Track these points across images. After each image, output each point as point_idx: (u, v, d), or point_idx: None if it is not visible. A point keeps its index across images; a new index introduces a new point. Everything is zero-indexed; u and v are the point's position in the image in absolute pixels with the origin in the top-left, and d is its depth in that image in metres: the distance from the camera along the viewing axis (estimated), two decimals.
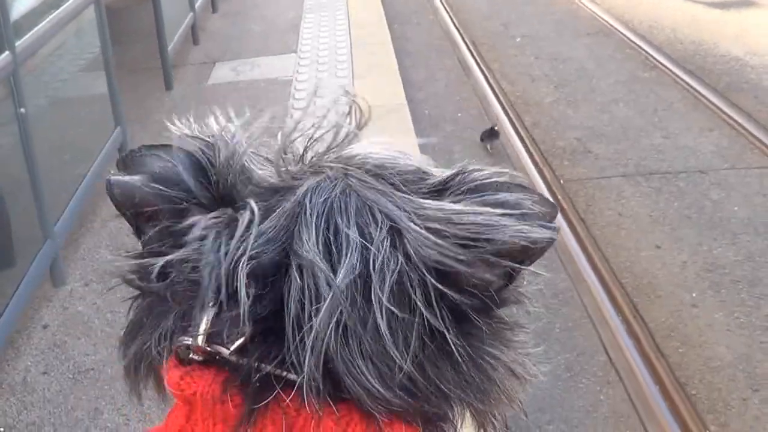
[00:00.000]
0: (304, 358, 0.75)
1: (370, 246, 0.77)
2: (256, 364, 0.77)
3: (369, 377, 0.75)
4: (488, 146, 6.73)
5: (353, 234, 0.77)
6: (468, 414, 0.86)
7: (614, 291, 4.78)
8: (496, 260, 0.78)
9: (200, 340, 0.79)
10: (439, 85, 8.45)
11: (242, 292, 0.77)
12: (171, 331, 0.85)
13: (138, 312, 0.94)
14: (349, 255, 0.76)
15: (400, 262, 0.76)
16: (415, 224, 0.77)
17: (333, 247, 0.77)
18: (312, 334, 0.75)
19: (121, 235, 5.34)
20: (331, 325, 0.74)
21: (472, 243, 0.77)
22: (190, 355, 0.81)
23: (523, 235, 0.79)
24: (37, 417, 3.89)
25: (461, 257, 0.76)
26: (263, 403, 0.76)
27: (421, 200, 0.81)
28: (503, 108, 7.60)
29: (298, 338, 0.76)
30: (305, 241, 0.78)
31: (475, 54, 9.16)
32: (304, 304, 0.76)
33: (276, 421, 0.77)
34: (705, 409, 3.93)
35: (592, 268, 5.01)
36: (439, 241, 0.76)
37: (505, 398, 0.86)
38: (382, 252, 0.76)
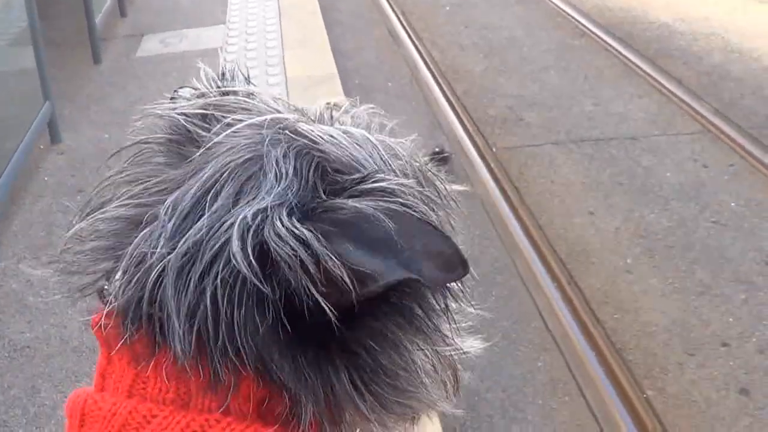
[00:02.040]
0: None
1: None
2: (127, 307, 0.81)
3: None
4: None
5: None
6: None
7: (549, 258, 4.76)
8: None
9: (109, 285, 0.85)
10: (369, 54, 8.34)
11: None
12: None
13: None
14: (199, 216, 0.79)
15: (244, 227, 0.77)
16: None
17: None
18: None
19: (52, 211, 5.19)
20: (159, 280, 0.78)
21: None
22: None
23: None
24: None
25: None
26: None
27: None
28: (434, 77, 7.52)
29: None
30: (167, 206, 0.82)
31: (404, 23, 9.05)
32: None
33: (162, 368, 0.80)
34: (642, 374, 3.92)
35: (526, 235, 4.98)
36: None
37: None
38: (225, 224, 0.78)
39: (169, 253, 0.77)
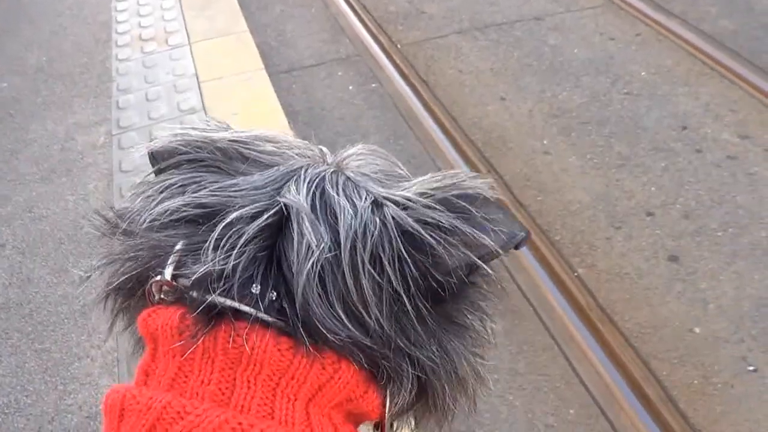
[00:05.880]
0: (295, 284, 0.84)
1: (356, 210, 0.86)
2: (205, 294, 0.84)
3: (342, 317, 0.84)
4: None
5: (341, 200, 0.87)
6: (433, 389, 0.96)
7: (465, 148, 4.67)
8: (460, 248, 0.89)
9: (168, 274, 0.87)
10: None
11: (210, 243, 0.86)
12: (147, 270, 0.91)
13: (118, 253, 0.97)
14: (343, 215, 0.86)
15: (378, 226, 0.85)
16: (392, 199, 0.89)
17: (318, 205, 0.87)
18: (296, 268, 0.84)
19: None
20: (313, 270, 0.83)
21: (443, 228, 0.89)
22: (161, 295, 0.89)
23: (486, 243, 0.92)
24: None
25: (433, 226, 0.88)
26: (209, 330, 0.83)
27: (400, 185, 0.94)
28: None
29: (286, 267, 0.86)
30: (293, 192, 0.88)
31: None
32: (291, 239, 0.85)
33: (227, 351, 0.82)
34: (570, 253, 3.89)
35: (440, 129, 4.88)
36: (415, 208, 0.89)
37: (457, 382, 0.98)
38: (366, 217, 0.86)
39: (326, 246, 0.85)
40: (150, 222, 0.91)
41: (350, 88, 5.50)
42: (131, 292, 0.95)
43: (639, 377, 3.30)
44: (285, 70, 5.85)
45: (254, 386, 0.81)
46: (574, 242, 3.95)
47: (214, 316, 0.84)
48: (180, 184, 0.93)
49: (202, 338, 0.83)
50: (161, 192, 0.93)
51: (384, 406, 0.93)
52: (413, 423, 1.06)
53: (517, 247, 0.97)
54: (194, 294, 0.85)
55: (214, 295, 0.85)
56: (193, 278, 0.85)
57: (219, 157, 0.96)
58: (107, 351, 3.54)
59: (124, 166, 4.63)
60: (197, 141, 0.98)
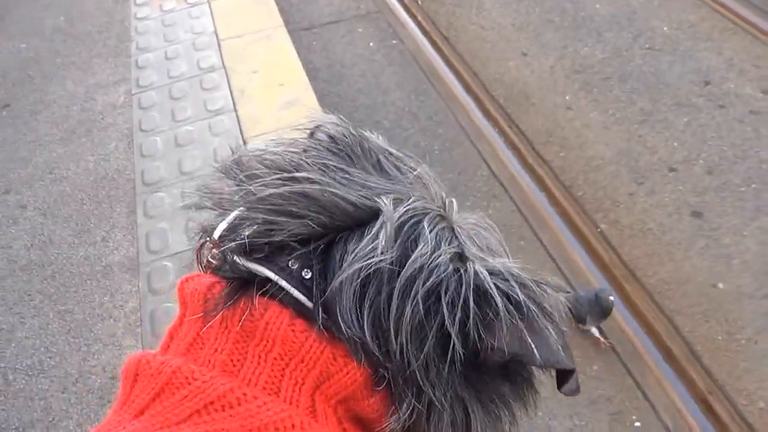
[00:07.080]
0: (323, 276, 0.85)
1: (438, 248, 0.85)
2: (236, 260, 0.86)
3: (364, 324, 0.83)
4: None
5: (430, 237, 0.86)
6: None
7: (487, 104, 4.65)
8: (517, 331, 0.85)
9: (217, 234, 0.89)
10: None
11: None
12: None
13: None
14: (422, 246, 0.85)
15: (449, 269, 0.84)
16: (484, 263, 0.88)
17: (406, 228, 0.86)
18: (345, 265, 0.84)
19: None
20: (364, 270, 0.83)
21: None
22: (209, 257, 0.91)
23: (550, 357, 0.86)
24: None
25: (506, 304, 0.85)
26: (233, 300, 0.85)
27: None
28: None
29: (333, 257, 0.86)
30: (389, 204, 0.87)
31: None
32: (362, 235, 0.86)
33: (244, 323, 0.84)
34: (593, 209, 3.87)
35: (462, 84, 4.85)
36: (500, 274, 0.87)
37: None
38: (443, 258, 0.85)
39: (392, 262, 0.84)
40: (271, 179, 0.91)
41: (371, 44, 5.47)
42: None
43: (662, 332, 3.30)
44: (305, 27, 5.83)
45: (264, 362, 0.82)
46: (596, 198, 3.94)
47: (242, 285, 0.85)
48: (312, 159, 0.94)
49: (223, 309, 0.84)
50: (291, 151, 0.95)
51: (390, 416, 0.92)
52: None
53: (561, 383, 0.91)
54: (229, 257, 0.87)
55: (244, 260, 0.87)
56: (237, 241, 0.86)
57: (358, 151, 0.96)
58: (130, 311, 3.55)
59: (144, 125, 4.63)
60: (352, 130, 0.99)
